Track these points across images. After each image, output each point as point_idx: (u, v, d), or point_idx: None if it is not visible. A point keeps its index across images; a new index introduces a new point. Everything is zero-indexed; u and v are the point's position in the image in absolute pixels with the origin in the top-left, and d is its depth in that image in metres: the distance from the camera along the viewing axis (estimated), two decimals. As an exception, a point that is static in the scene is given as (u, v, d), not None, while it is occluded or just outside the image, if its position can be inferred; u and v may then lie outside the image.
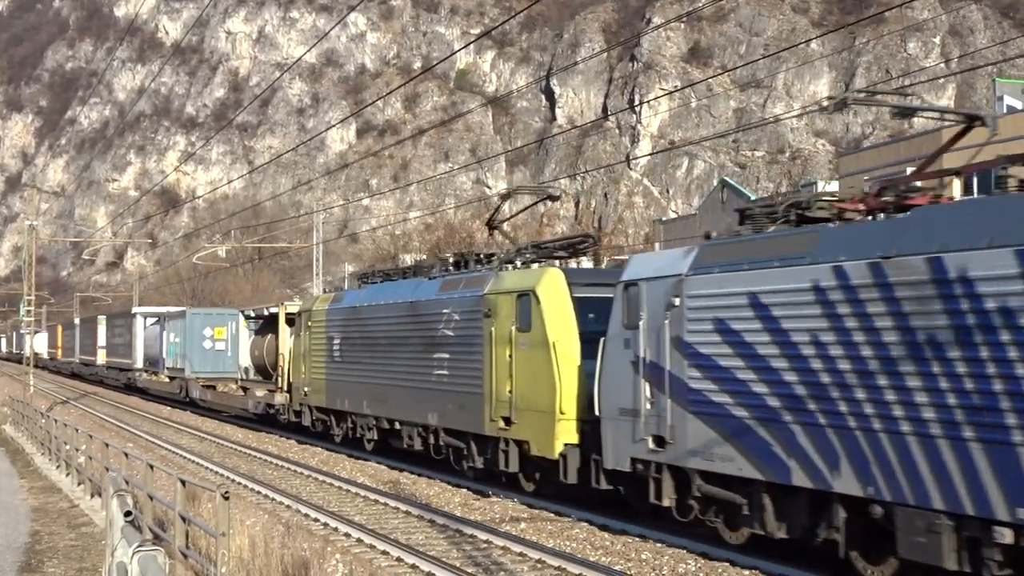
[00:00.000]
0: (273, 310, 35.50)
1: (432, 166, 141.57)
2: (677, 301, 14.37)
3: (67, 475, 21.94)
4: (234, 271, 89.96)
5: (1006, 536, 10.28)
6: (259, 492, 20.63)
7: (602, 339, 15.94)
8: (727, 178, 77.94)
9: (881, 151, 50.67)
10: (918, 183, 13.28)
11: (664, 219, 78.27)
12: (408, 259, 62.66)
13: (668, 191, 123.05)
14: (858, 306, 11.81)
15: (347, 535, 16.06)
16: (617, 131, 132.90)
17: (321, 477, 22.63)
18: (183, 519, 12.14)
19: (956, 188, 44.90)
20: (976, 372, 10.56)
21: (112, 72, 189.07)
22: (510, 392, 18.48)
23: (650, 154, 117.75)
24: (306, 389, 28.70)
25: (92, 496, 18.69)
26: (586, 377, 16.74)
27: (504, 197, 22.79)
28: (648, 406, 14.88)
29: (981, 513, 10.45)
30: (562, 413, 17.11)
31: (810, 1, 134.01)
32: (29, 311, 54.01)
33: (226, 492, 10.40)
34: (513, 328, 18.45)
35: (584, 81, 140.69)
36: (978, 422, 10.52)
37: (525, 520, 16.95)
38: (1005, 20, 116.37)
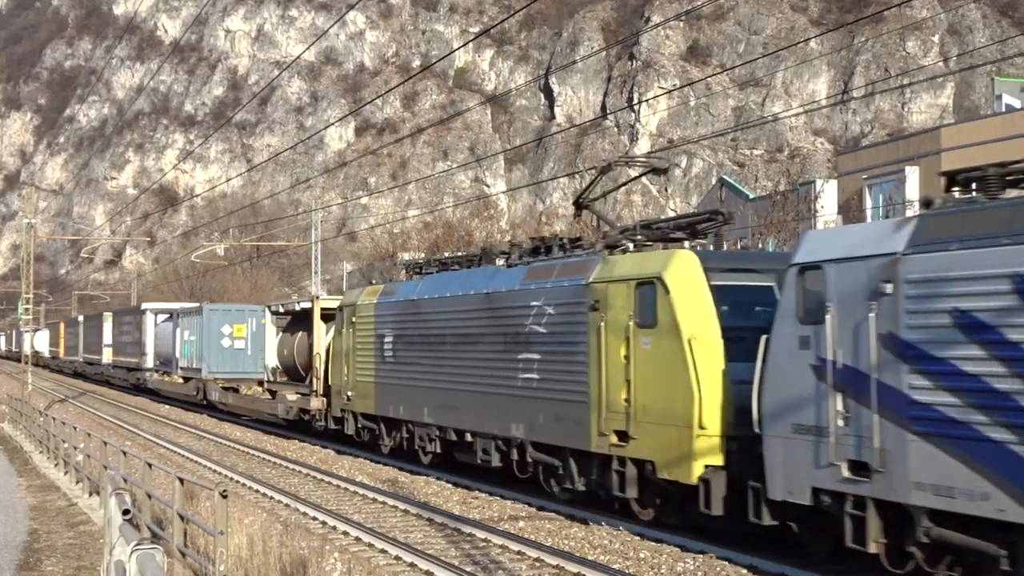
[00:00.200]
0: (305, 305, 31.86)
1: (431, 164, 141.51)
2: (889, 288, 11.35)
3: (65, 473, 21.93)
4: (232, 269, 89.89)
5: None
6: (257, 491, 20.63)
7: (761, 337, 12.86)
8: (726, 176, 77.86)
9: (880, 149, 50.67)
10: None
11: (663, 218, 78.16)
12: (406, 257, 62.57)
13: (667, 189, 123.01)
14: None
15: (345, 534, 16.06)
16: (616, 130, 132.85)
17: (319, 476, 22.63)
18: (181, 517, 12.14)
19: None
20: None
21: (111, 70, 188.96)
22: (627, 401, 15.29)
23: (649, 153, 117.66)
24: (349, 393, 25.66)
25: (90, 494, 18.69)
26: (733, 384, 13.82)
27: (604, 170, 19.02)
28: (840, 422, 11.82)
29: None
30: (702, 428, 13.91)
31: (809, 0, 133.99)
32: (27, 309, 54.00)
33: (224, 491, 10.40)
34: (631, 323, 15.33)
35: (583, 80, 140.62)
36: None
37: (523, 519, 16.95)
38: (1004, 19, 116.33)
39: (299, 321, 32.67)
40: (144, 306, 53.69)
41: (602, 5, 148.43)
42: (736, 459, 13.65)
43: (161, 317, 49.33)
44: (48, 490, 20.09)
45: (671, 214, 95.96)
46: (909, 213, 45.45)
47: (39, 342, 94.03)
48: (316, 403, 28.46)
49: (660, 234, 17.01)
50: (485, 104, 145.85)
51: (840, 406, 11.84)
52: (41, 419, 27.54)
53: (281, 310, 35.24)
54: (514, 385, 18.38)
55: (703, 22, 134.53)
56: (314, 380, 28.96)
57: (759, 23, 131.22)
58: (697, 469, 13.90)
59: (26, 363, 50.77)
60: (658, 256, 15.70)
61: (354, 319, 25.41)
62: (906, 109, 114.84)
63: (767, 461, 12.72)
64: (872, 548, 11.56)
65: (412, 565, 13.76)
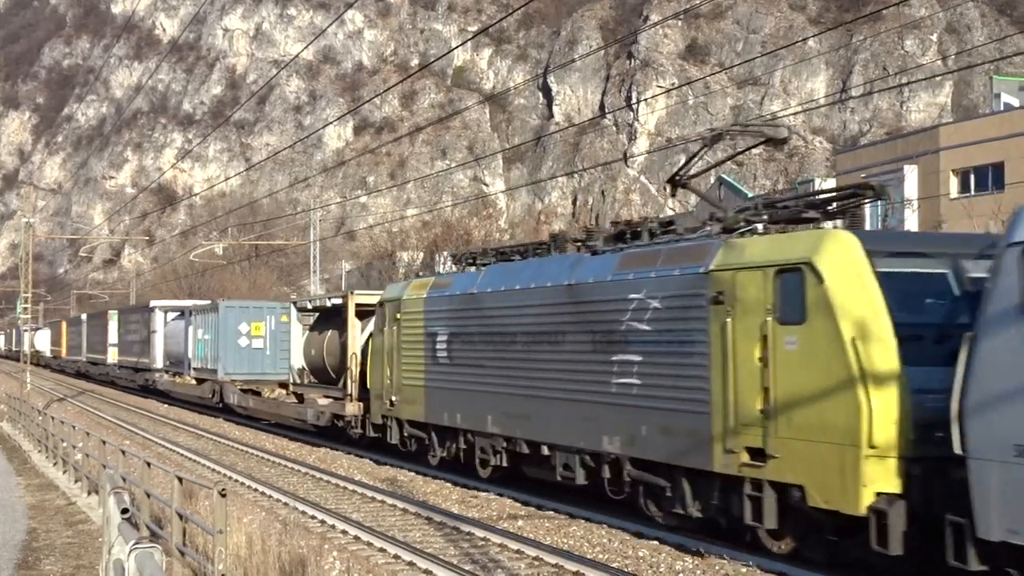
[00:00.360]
0: (337, 300, 29.39)
1: (429, 163, 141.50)
2: None
3: (64, 472, 21.92)
4: (231, 268, 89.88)
5: None
6: (256, 490, 20.63)
7: (964, 336, 10.32)
8: (724, 175, 77.85)
9: (878, 148, 50.71)
10: None
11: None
12: (405, 257, 62.57)
13: (665, 188, 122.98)
14: None
15: (344, 532, 16.06)
16: (614, 128, 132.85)
17: (318, 475, 22.62)
18: (180, 516, 12.13)
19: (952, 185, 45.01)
20: None
21: (109, 69, 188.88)
22: (763, 412, 12.82)
23: (647, 152, 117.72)
24: (393, 398, 22.97)
25: (89, 493, 18.67)
26: (912, 393, 11.48)
27: (714, 139, 16.21)
28: None
29: None
30: (873, 447, 11.49)
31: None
32: (25, 308, 54.03)
33: (223, 489, 10.39)
34: (769, 319, 12.86)
35: (581, 78, 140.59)
36: None
37: (522, 518, 16.94)
38: (1002, 17, 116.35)
39: (328, 318, 30.19)
40: (153, 303, 51.02)
41: (600, 4, 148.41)
42: (920, 486, 11.25)
43: (171, 315, 47.39)
44: (47, 489, 20.08)
45: (668, 212, 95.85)
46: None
47: (40, 341, 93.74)
48: (352, 408, 25.95)
49: (788, 214, 14.31)
50: (483, 103, 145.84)
51: None
52: (40, 418, 27.52)
53: (309, 306, 32.34)
54: (607, 391, 15.78)
55: (701, 21, 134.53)
56: (348, 383, 26.37)
57: (757, 22, 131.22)
58: (866, 497, 11.50)
59: (25, 362, 50.76)
60: (805, 238, 13.07)
61: (399, 316, 22.75)
62: (904, 108, 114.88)
63: (976, 491, 10.13)
64: None
65: (411, 564, 13.76)
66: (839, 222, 14.61)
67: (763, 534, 13.29)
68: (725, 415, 13.39)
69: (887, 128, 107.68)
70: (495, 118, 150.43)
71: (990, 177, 43.15)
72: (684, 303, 14.35)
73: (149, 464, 14.42)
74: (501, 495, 19.03)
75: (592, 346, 16.24)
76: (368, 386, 24.77)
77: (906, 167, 44.34)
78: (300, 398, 31.60)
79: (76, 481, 20.40)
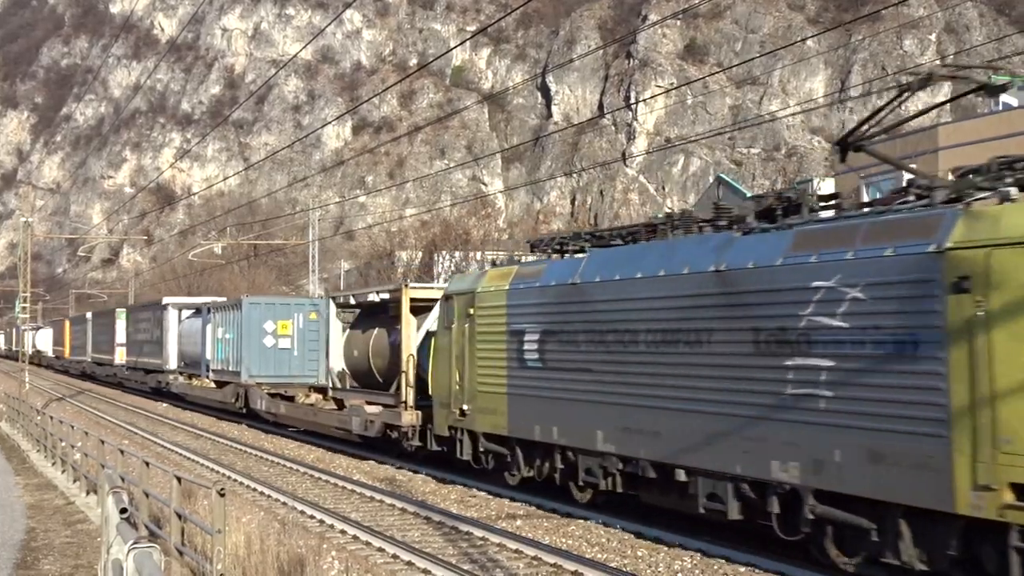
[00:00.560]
0: (384, 294, 25.92)
1: (428, 163, 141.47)
2: None
3: (63, 472, 21.91)
4: (230, 268, 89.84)
5: None
6: (255, 489, 20.62)
7: None
8: (723, 175, 77.93)
9: (877, 148, 50.68)
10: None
11: (660, 216, 78.14)
12: (404, 256, 62.54)
13: (664, 188, 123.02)
14: None
15: (343, 532, 16.05)
16: (613, 128, 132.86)
17: (317, 474, 22.61)
18: (179, 516, 12.12)
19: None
20: None
21: (107, 69, 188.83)
22: None
23: (646, 152, 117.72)
24: (464, 407, 19.79)
25: (88, 493, 18.66)
26: None
27: (921, 83, 13.11)
28: None
29: None
30: None
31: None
32: (24, 308, 54.04)
33: (222, 489, 10.38)
34: None
35: (580, 78, 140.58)
36: None
37: (521, 517, 16.93)
38: (1001, 17, 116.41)
39: (374, 314, 26.85)
40: (165, 300, 48.25)
41: (599, 4, 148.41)
42: None
43: (186, 312, 44.81)
44: (46, 489, 20.06)
45: (667, 211, 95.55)
46: None
47: (42, 341, 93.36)
48: (408, 418, 22.86)
49: None
50: (482, 103, 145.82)
51: None
52: (38, 418, 27.51)
53: (352, 301, 28.38)
54: (778, 404, 12.73)
55: (700, 21, 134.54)
56: (403, 388, 23.30)
57: (756, 22, 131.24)
58: None
59: (24, 361, 50.74)
60: None
61: (472, 311, 19.59)
62: (903, 108, 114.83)
63: None
64: None
65: (410, 564, 13.75)
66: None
67: None
68: (975, 439, 10.34)
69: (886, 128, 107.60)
70: (494, 118, 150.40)
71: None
72: (903, 292, 11.36)
73: (148, 464, 14.41)
74: (499, 495, 19.02)
75: (754, 347, 13.13)
76: (430, 392, 21.70)
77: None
78: (340, 404, 28.37)
79: (75, 481, 20.39)
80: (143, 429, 34.35)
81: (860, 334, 11.79)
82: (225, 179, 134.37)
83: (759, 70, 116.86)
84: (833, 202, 14.04)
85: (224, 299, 44.69)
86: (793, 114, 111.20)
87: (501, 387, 18.65)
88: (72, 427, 21.70)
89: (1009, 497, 9.99)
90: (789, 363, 12.62)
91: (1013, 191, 11.13)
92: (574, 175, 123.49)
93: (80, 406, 44.65)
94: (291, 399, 32.65)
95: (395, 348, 24.37)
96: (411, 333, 23.71)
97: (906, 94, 13.05)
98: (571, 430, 16.75)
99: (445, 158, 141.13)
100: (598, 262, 16.70)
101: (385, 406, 24.55)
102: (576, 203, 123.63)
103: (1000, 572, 10.28)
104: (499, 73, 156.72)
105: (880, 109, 13.57)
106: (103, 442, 18.23)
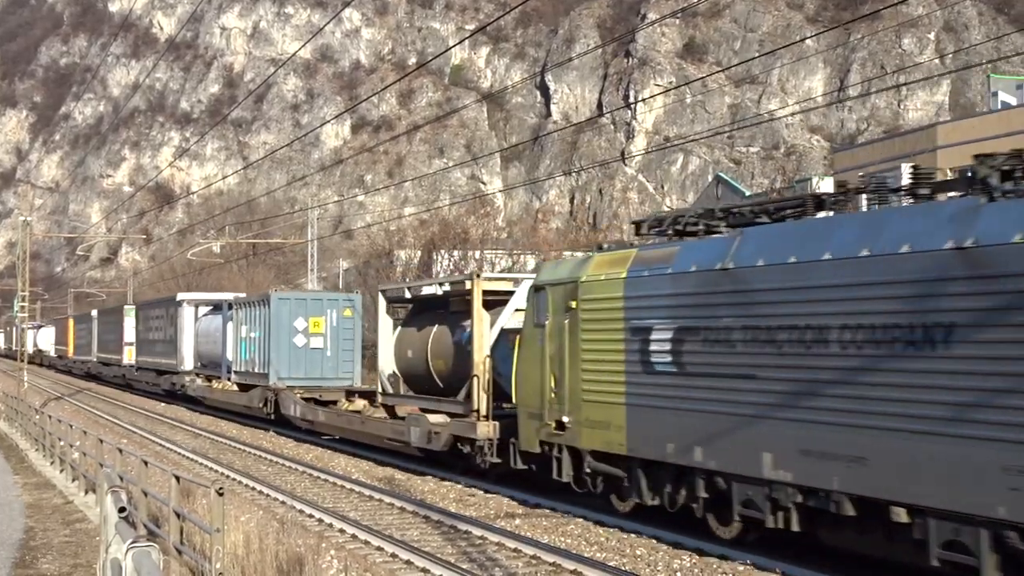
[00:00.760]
0: (447, 286, 22.89)
1: (427, 162, 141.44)
2: None
3: (61, 471, 21.90)
4: (228, 267, 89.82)
5: None
6: (254, 488, 20.62)
7: None
8: (722, 174, 77.92)
9: (876, 147, 50.70)
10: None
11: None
12: (403, 255, 62.49)
13: (663, 187, 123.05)
14: None
15: (342, 531, 16.05)
16: (612, 127, 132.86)
17: (316, 473, 22.61)
18: (177, 515, 12.12)
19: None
20: None
21: (106, 68, 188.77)
22: None
23: (645, 151, 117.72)
24: (564, 419, 16.69)
25: (86, 492, 18.66)
26: None
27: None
28: None
29: None
30: None
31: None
32: (23, 307, 54.04)
33: (220, 488, 10.38)
34: None
35: (579, 77, 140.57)
36: None
37: (520, 516, 16.93)
38: (1000, 16, 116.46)
39: (429, 310, 24.14)
40: (180, 296, 45.35)
41: (598, 2, 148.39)
42: None
43: (203, 309, 42.03)
44: (44, 488, 20.06)
45: (666, 211, 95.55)
46: None
47: (43, 340, 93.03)
48: (484, 429, 19.86)
49: None
50: (481, 102, 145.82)
51: None
52: (37, 417, 27.50)
53: (407, 295, 24.83)
54: None
55: (699, 19, 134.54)
56: (475, 395, 20.37)
57: (755, 20, 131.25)
58: None
59: (23, 360, 50.73)
60: None
61: (574, 304, 16.59)
62: (902, 106, 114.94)
63: None
64: None
65: (408, 563, 13.75)
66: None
67: None
68: None
69: (885, 127, 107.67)
70: (493, 117, 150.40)
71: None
72: None
73: (146, 463, 14.41)
74: (498, 493, 19.02)
75: None
76: (514, 400, 18.86)
77: (903, 166, 44.35)
78: (391, 412, 25.51)
79: (73, 480, 20.38)
80: (142, 428, 34.35)
81: None
82: (224, 178, 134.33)
83: (758, 69, 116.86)
84: None
85: (244, 295, 42.42)
86: (792, 113, 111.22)
87: (617, 396, 15.52)
88: (71, 426, 21.70)
89: None
90: None
91: None
92: (573, 174, 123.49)
93: (78, 405, 44.65)
94: (325, 404, 29.39)
95: (460, 348, 21.67)
96: (484, 331, 20.76)
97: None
98: (722, 451, 13.52)
99: (444, 157, 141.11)
100: (758, 242, 13.46)
101: (451, 415, 21.43)
102: (575, 202, 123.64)
103: None
104: (498, 72, 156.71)
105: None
106: (102, 441, 18.22)
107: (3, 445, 28.75)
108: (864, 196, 13.34)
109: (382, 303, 25.70)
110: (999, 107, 47.47)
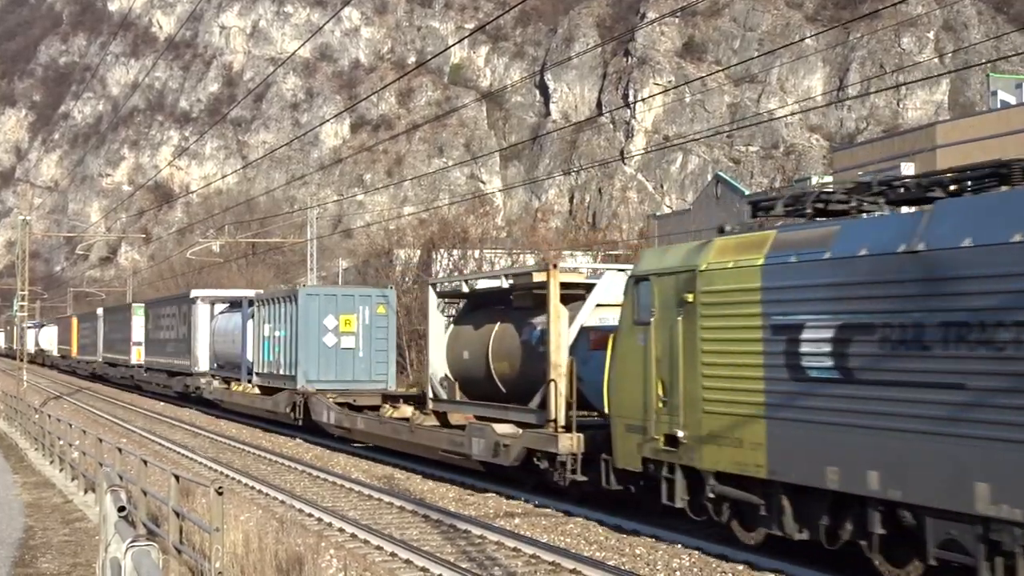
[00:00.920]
0: (512, 279, 20.26)
1: (426, 161, 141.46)
2: None
3: (61, 471, 21.89)
4: (228, 266, 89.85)
5: None
6: (253, 488, 20.62)
7: None
8: (721, 173, 77.88)
9: (875, 146, 50.74)
10: None
11: (659, 214, 78.31)
12: (402, 254, 62.48)
13: (662, 186, 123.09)
14: None
15: (341, 530, 16.05)
16: (611, 126, 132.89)
17: (315, 473, 22.61)
18: (177, 514, 12.12)
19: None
20: None
21: (105, 67, 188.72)
22: None
23: (644, 150, 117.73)
24: (678, 432, 14.05)
25: (86, 492, 18.66)
26: None
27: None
28: None
29: None
30: None
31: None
32: (22, 306, 54.04)
33: (220, 488, 10.39)
34: None
35: (578, 76, 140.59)
36: None
37: (519, 516, 16.93)
38: (999, 15, 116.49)
39: (487, 306, 21.59)
40: (194, 293, 42.65)
41: (597, 1, 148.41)
42: None
43: (219, 307, 39.73)
44: (44, 487, 20.05)
45: (666, 210, 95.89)
46: None
47: (45, 339, 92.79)
48: (567, 442, 17.07)
49: None
50: (480, 101, 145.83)
51: None
52: (36, 416, 27.50)
53: (464, 289, 22.26)
54: None
55: (698, 18, 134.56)
56: (553, 404, 17.71)
57: (754, 19, 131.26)
58: None
59: (22, 359, 50.71)
60: None
61: (691, 297, 13.97)
62: (901, 106, 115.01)
63: None
64: None
65: (408, 562, 13.75)
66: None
67: None
68: None
69: (884, 126, 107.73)
70: (492, 116, 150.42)
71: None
72: None
73: (146, 462, 14.41)
74: (498, 493, 19.02)
75: None
76: (608, 410, 16.09)
77: (903, 164, 44.33)
78: (443, 420, 22.72)
79: (73, 479, 20.38)
80: (141, 428, 34.34)
81: None
82: (223, 177, 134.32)
83: (757, 68, 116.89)
84: None
85: (263, 291, 40.08)
86: (791, 112, 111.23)
87: (753, 407, 12.86)
88: (70, 425, 21.70)
89: None
90: None
91: None
92: (572, 173, 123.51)
93: (78, 404, 44.65)
94: (360, 409, 26.78)
95: (530, 348, 19.19)
96: (561, 331, 18.01)
97: None
98: (912, 479, 10.89)
99: (443, 156, 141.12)
100: (960, 218, 10.87)
101: (522, 425, 18.84)
102: (574, 201, 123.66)
103: None
104: (497, 71, 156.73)
105: None
106: (101, 440, 18.22)
107: (3, 444, 28.73)
108: None
109: (432, 299, 22.96)
110: (998, 106, 47.48)
